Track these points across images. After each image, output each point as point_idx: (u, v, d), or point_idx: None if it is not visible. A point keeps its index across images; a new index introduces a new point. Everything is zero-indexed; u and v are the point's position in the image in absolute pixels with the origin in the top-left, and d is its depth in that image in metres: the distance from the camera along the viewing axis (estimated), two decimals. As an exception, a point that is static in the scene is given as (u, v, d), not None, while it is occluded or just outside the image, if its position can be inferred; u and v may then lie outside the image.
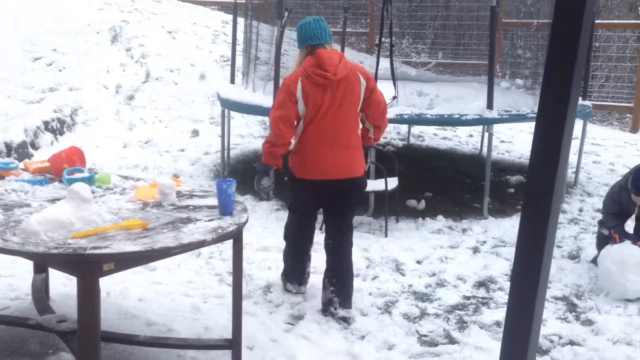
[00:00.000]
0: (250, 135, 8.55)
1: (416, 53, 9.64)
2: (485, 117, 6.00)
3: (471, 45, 11.39)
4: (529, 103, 6.35)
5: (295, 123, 3.91)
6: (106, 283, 3.79)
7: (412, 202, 6.34)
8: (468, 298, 4.43)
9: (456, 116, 6.02)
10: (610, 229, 4.66)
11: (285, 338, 3.71)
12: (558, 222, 2.18)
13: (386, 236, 5.53)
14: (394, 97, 6.28)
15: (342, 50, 6.96)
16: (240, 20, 8.12)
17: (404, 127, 9.17)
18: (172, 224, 2.91)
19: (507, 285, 4.67)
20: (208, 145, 8.08)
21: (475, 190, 6.78)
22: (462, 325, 4.03)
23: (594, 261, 4.85)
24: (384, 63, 6.61)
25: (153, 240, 2.69)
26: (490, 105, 6.04)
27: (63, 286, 4.14)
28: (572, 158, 6.74)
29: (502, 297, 4.43)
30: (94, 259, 2.54)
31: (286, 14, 6.06)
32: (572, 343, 3.82)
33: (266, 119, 6.20)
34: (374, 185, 5.71)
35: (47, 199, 3.23)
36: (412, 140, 9.07)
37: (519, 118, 6.20)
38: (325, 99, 3.81)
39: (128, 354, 3.45)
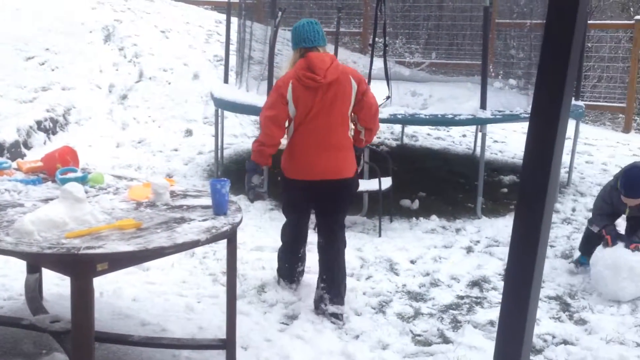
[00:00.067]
0: (243, 135, 8.55)
1: (410, 53, 9.65)
2: (478, 117, 6.01)
3: (464, 45, 11.41)
4: (522, 103, 6.38)
5: (287, 124, 3.97)
6: (100, 283, 3.79)
7: (405, 202, 6.35)
8: (462, 298, 4.44)
9: (449, 116, 6.03)
10: (602, 229, 4.62)
11: (280, 338, 3.71)
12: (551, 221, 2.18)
13: (380, 236, 5.54)
14: (388, 97, 6.29)
15: (336, 50, 6.96)
16: (234, 20, 8.12)
17: (397, 127, 9.18)
18: (166, 224, 2.91)
19: (500, 284, 4.68)
20: (201, 145, 8.07)
21: (469, 190, 6.80)
22: (456, 324, 4.04)
23: (576, 263, 4.84)
24: (378, 63, 6.62)
25: (147, 240, 2.68)
26: (483, 106, 6.05)
27: (56, 286, 4.13)
28: (565, 158, 6.76)
29: (496, 296, 4.44)
30: (88, 259, 2.54)
31: (280, 13, 6.06)
32: (565, 342, 3.83)
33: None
34: (368, 185, 5.72)
35: (40, 198, 3.22)
36: (406, 140, 9.08)
37: (512, 118, 6.22)
38: (316, 101, 3.88)
39: (122, 354, 3.44)
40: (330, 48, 5.92)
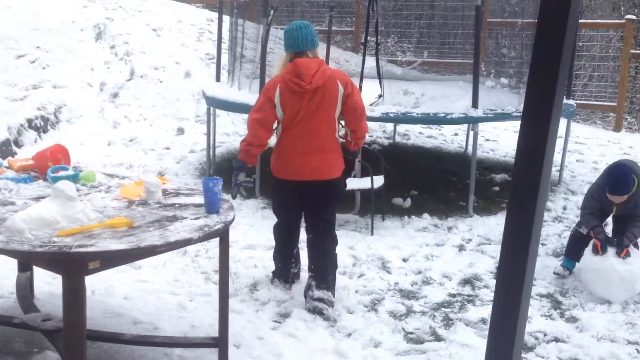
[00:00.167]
0: (235, 133, 8.53)
1: (402, 52, 9.67)
2: (470, 115, 6.03)
3: (456, 44, 11.42)
4: (513, 102, 6.40)
5: (275, 125, 4.12)
6: (91, 281, 3.77)
7: (398, 201, 6.36)
8: (454, 295, 4.45)
9: (441, 115, 6.05)
10: (591, 230, 4.55)
11: (272, 336, 3.71)
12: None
13: (372, 234, 5.54)
14: (380, 96, 6.30)
15: (328, 48, 6.96)
16: (226, 18, 8.10)
17: (389, 126, 9.18)
18: (158, 222, 2.90)
19: (492, 282, 4.70)
20: (193, 144, 8.05)
21: (461, 189, 6.82)
22: (447, 322, 4.05)
23: (557, 272, 4.71)
24: (370, 62, 6.62)
25: (139, 239, 2.68)
26: (475, 104, 6.07)
27: (48, 284, 4.11)
28: (556, 156, 6.78)
29: (488, 294, 4.46)
30: (80, 257, 2.53)
31: (272, 12, 6.05)
32: (557, 340, 3.85)
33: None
34: (360, 183, 5.72)
35: (31, 197, 3.21)
36: (398, 139, 9.09)
37: (504, 117, 6.25)
38: (302, 105, 4.00)
39: (114, 353, 3.43)
40: (322, 47, 5.92)
